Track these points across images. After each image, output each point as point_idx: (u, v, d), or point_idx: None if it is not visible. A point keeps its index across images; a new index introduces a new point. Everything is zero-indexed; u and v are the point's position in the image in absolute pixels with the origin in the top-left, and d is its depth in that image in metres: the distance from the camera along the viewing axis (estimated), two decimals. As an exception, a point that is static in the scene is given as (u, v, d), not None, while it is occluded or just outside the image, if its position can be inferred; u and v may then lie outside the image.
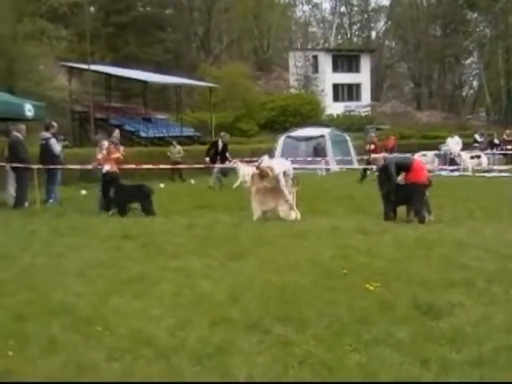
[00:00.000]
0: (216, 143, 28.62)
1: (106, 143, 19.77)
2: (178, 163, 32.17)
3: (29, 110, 22.73)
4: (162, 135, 45.86)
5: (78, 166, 24.63)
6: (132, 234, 14.00)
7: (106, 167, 18.91)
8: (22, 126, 21.81)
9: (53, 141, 22.29)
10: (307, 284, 9.12)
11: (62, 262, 11.31)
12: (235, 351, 6.48)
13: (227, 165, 26.75)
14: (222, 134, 29.43)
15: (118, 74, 50.89)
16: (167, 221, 16.22)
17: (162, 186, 27.05)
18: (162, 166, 26.11)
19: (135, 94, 55.53)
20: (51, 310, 7.99)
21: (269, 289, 8.84)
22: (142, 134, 44.94)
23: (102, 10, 61.77)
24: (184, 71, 56.03)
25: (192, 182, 30.34)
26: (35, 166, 21.51)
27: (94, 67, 47.79)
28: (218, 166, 27.29)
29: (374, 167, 18.80)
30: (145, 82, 49.13)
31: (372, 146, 30.76)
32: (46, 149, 22.22)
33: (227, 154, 27.89)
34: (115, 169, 19.05)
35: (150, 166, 25.78)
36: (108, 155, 19.20)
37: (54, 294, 8.92)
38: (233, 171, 25.56)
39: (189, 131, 48.36)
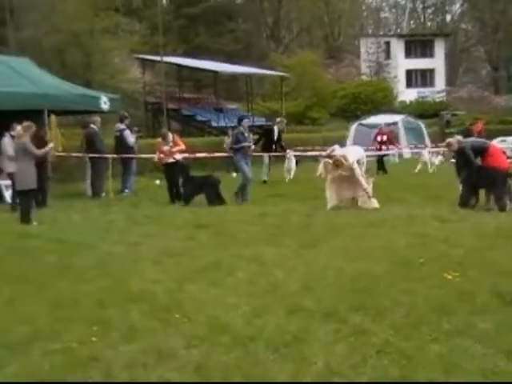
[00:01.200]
0: (271, 131, 26.23)
1: (170, 135, 20.03)
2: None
3: (104, 102, 23.10)
4: (233, 124, 45.82)
5: (151, 156, 24.79)
6: (205, 223, 14.08)
7: (177, 157, 19.25)
8: (98, 118, 22.22)
9: (127, 132, 22.65)
10: (382, 273, 9.01)
11: (138, 250, 11.49)
12: (312, 340, 6.46)
13: (283, 154, 26.00)
14: (278, 119, 27.54)
15: (190, 64, 51.07)
16: (239, 210, 16.26)
17: (234, 175, 27.16)
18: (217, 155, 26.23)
19: (206, 84, 55.67)
20: (130, 297, 8.11)
21: (343, 278, 8.78)
22: (214, 124, 44.99)
23: (173, 2, 62.14)
24: (254, 61, 56.03)
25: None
26: (109, 156, 21.85)
27: (166, 59, 48.15)
28: (267, 155, 25.61)
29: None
30: (215, 72, 49.27)
31: (384, 137, 30.14)
32: (120, 140, 22.62)
33: (283, 143, 26.52)
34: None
35: (221, 154, 25.93)
36: (174, 146, 19.55)
37: (131, 281, 9.04)
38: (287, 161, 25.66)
39: (260, 120, 48.23)
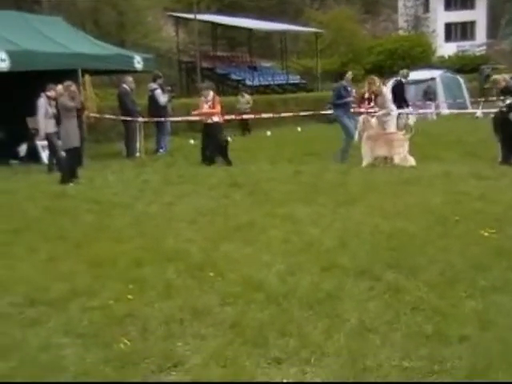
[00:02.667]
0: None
1: (211, 93, 19.67)
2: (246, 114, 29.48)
3: (138, 62, 23.21)
4: (267, 83, 45.77)
5: (184, 118, 24.78)
6: (239, 182, 14.17)
7: (215, 118, 19.13)
8: (129, 78, 22.30)
9: (158, 92, 22.69)
10: (418, 231, 9.01)
11: (173, 210, 11.61)
12: (346, 297, 6.52)
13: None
14: (404, 72, 24.59)
15: (224, 22, 50.91)
16: (273, 168, 16.31)
17: (268, 133, 27.17)
18: (264, 115, 25.99)
19: (241, 42, 55.46)
20: (165, 256, 8.21)
21: (378, 235, 8.82)
22: (248, 83, 44.89)
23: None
24: (289, 17, 55.62)
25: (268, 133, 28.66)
26: (141, 119, 21.97)
27: (199, 17, 48.05)
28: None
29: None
30: (250, 30, 49.08)
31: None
32: (152, 100, 22.70)
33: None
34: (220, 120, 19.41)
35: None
36: (213, 107, 19.31)
37: (166, 240, 9.15)
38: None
39: (295, 79, 48.10)
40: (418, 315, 6.02)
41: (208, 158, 18.52)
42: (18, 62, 19.39)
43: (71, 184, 15.38)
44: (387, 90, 17.21)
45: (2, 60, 19.17)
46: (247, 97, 31.17)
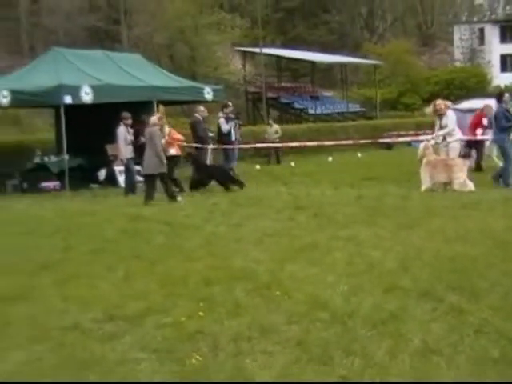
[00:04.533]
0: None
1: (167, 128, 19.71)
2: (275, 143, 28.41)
3: (208, 92, 23.59)
4: (329, 112, 45.78)
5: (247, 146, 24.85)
6: (303, 205, 14.05)
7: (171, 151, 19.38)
8: (201, 108, 22.56)
9: (221, 120, 22.87)
10: (479, 255, 8.67)
11: (240, 231, 11.53)
12: (408, 318, 6.34)
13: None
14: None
15: (288, 55, 51.29)
16: (336, 192, 16.20)
17: (330, 159, 27.08)
18: (326, 143, 25.86)
19: (303, 73, 55.70)
20: (234, 275, 8.14)
21: (439, 258, 8.57)
22: (310, 111, 45.02)
23: (272, 2, 62.16)
24: (349, 50, 55.72)
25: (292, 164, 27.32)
26: (210, 146, 22.11)
27: (265, 50, 48.43)
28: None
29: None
30: (312, 62, 49.38)
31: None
32: (219, 128, 22.90)
33: None
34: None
35: (315, 143, 25.82)
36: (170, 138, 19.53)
37: (235, 260, 9.08)
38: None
39: (354, 107, 48.04)
40: (482, 338, 5.78)
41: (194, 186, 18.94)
42: (100, 95, 19.87)
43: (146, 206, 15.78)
44: (453, 115, 16.77)
45: (87, 93, 19.62)
46: (275, 126, 30.27)
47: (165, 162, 16.87)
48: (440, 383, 4.27)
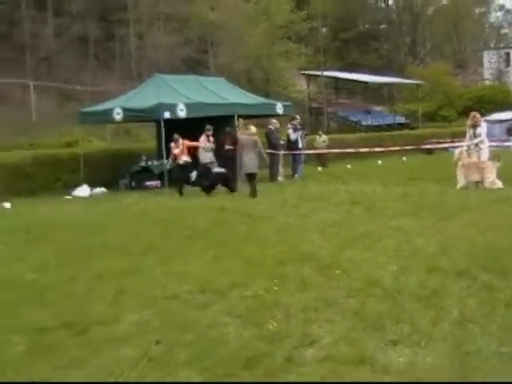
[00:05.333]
0: None
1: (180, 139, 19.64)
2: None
3: (279, 108, 23.64)
4: (378, 123, 45.33)
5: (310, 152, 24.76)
6: (358, 201, 13.94)
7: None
8: (274, 120, 22.85)
9: (290, 131, 23.29)
10: (508, 242, 8.44)
11: (306, 222, 11.53)
12: (447, 293, 6.28)
13: None
14: None
15: (344, 77, 51.09)
16: (385, 190, 16.01)
17: (379, 162, 26.81)
18: (376, 149, 25.68)
19: (357, 92, 55.40)
20: (301, 257, 8.16)
21: (473, 245, 8.39)
22: (363, 123, 44.72)
23: (331, 29, 61.84)
24: (395, 72, 55.01)
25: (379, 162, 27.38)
26: (282, 152, 22.15)
27: (326, 73, 48.63)
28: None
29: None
30: (365, 82, 49.12)
31: None
32: (288, 136, 23.05)
33: None
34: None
35: (367, 150, 25.61)
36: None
37: (302, 245, 9.10)
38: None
39: (400, 119, 47.42)
40: (511, 310, 5.70)
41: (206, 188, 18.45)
42: (191, 111, 20.11)
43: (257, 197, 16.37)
44: (485, 125, 16.56)
45: (181, 110, 19.87)
46: (324, 136, 28.87)
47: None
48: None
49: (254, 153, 17.15)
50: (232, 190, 18.29)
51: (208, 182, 18.33)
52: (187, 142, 19.53)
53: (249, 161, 17.08)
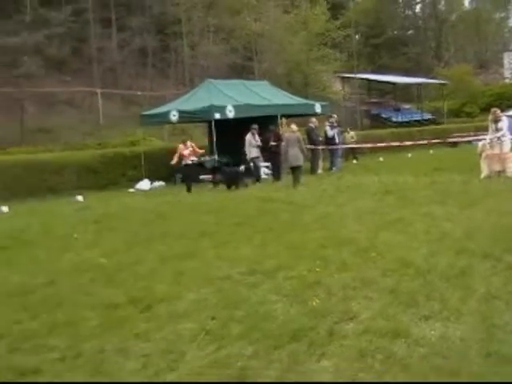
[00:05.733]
0: None
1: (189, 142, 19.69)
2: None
3: (318, 107, 23.62)
4: (407, 120, 44.74)
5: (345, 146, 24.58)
6: (391, 190, 13.74)
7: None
8: (313, 119, 22.80)
9: (327, 128, 23.12)
10: None
11: (344, 210, 11.40)
12: (474, 273, 6.18)
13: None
14: None
15: (376, 78, 50.57)
16: (415, 180, 15.75)
17: (409, 155, 26.45)
18: (406, 143, 25.33)
19: (388, 91, 54.63)
20: (341, 242, 8.10)
21: (497, 229, 8.22)
22: (393, 119, 44.25)
23: (363, 35, 61.25)
24: (422, 73, 54.30)
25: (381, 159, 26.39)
26: (321, 147, 22.06)
27: (359, 75, 48.26)
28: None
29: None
30: (394, 84, 48.58)
31: None
32: (325, 133, 22.90)
33: None
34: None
35: (398, 144, 25.29)
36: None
37: (341, 231, 9.02)
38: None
39: (427, 116, 46.77)
40: (533, 288, 5.58)
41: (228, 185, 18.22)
42: (239, 112, 20.20)
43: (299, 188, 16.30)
44: (506, 120, 16.24)
45: (230, 111, 19.97)
46: (352, 133, 28.02)
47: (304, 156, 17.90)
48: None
49: (297, 148, 17.29)
50: (237, 187, 17.85)
51: (255, 175, 18.40)
52: (196, 148, 19.59)
53: (293, 155, 17.20)
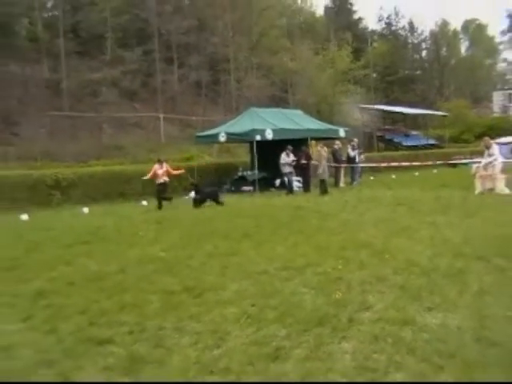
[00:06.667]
0: None
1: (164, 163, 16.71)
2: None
3: (341, 132, 23.39)
4: (415, 144, 44.04)
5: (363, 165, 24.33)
6: (402, 202, 13.53)
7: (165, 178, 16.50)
8: (337, 141, 22.60)
9: (349, 149, 22.88)
10: None
11: (363, 217, 11.31)
12: (470, 272, 6.10)
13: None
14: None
15: (389, 109, 50.07)
16: (422, 194, 15.50)
17: (416, 173, 26.07)
18: (414, 163, 25.05)
19: (399, 120, 54.05)
20: (359, 244, 8.02)
21: (490, 236, 8.09)
22: (404, 144, 43.59)
23: (379, 74, 60.71)
24: (427, 106, 53.69)
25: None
26: (343, 165, 21.91)
27: (375, 106, 47.88)
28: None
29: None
30: (404, 114, 48.12)
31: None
32: (348, 154, 22.79)
33: None
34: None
35: (408, 164, 24.97)
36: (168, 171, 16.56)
37: (360, 235, 8.95)
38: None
39: (432, 141, 46.10)
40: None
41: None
42: (276, 135, 20.24)
43: (325, 197, 16.56)
44: (496, 146, 15.92)
45: (269, 134, 20.02)
46: (362, 156, 24.85)
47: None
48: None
49: (324, 165, 17.99)
50: (220, 204, 15.80)
51: (201, 198, 16.01)
52: (169, 169, 16.64)
53: (322, 170, 18.05)
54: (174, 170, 17.06)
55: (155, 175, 16.44)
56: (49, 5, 39.49)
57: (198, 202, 15.84)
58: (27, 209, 16.39)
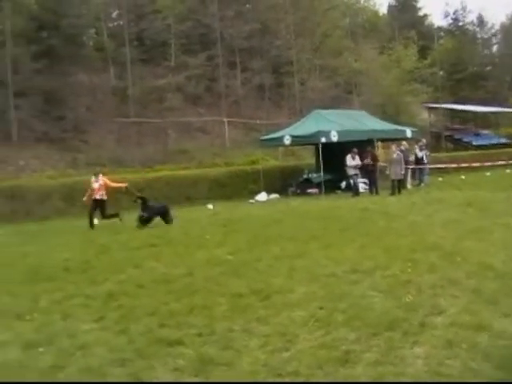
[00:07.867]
0: None
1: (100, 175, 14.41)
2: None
3: (408, 132, 22.87)
4: (486, 143, 42.39)
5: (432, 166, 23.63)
6: (472, 202, 12.99)
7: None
8: (404, 142, 22.22)
9: (417, 150, 22.45)
10: None
11: (431, 219, 11.02)
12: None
13: None
14: None
15: (458, 108, 48.51)
16: (492, 195, 14.69)
17: (488, 174, 25.06)
18: (485, 164, 24.17)
19: (469, 119, 52.19)
20: (428, 247, 7.80)
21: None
22: (473, 143, 42.07)
23: (447, 72, 58.47)
24: (499, 104, 51.54)
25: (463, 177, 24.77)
26: (410, 166, 21.39)
27: (443, 105, 46.54)
28: None
29: None
30: (475, 112, 46.43)
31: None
32: (415, 154, 22.37)
33: None
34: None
35: (478, 164, 24.06)
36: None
37: (429, 237, 8.72)
38: None
39: (503, 140, 44.23)
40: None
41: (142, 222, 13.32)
42: (342, 136, 20.08)
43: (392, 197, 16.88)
44: None
45: (334, 136, 19.88)
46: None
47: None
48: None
49: (397, 165, 18.41)
50: (168, 222, 13.49)
51: (148, 216, 13.45)
52: (108, 182, 14.35)
53: (394, 171, 18.39)
54: (114, 182, 14.76)
55: (92, 191, 14.20)
56: (114, 15, 40.94)
57: (143, 221, 13.33)
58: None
